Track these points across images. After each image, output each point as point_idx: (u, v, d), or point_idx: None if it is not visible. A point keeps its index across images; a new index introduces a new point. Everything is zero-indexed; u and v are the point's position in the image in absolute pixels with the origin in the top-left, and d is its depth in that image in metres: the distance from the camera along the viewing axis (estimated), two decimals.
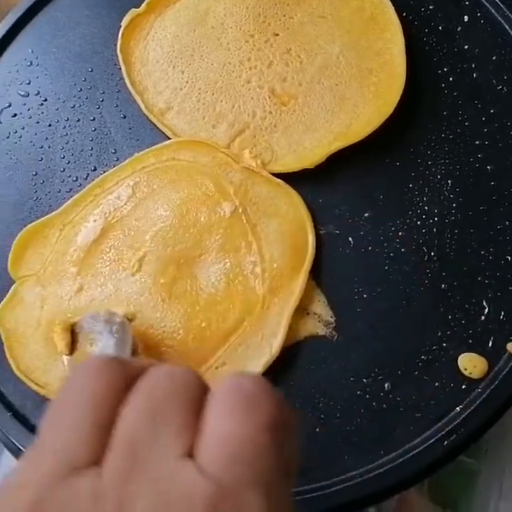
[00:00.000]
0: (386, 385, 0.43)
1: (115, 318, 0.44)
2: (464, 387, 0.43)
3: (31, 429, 0.45)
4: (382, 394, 0.43)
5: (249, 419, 0.20)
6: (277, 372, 0.44)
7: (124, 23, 0.54)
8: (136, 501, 0.18)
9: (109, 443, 0.20)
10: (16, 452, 0.46)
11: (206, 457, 0.19)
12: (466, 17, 0.52)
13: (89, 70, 0.55)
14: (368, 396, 0.43)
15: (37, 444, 0.21)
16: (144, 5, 0.55)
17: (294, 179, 0.48)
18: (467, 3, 0.53)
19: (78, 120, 0.54)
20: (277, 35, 0.52)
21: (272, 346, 0.44)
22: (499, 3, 0.52)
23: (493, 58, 0.51)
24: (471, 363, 0.43)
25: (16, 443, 0.45)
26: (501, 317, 0.44)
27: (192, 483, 0.18)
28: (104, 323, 0.43)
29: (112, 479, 0.19)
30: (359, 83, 0.50)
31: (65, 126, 0.54)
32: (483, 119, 0.49)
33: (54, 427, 0.22)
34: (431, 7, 0.53)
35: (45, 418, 0.22)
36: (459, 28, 0.52)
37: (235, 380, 0.21)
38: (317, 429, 0.42)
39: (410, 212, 0.47)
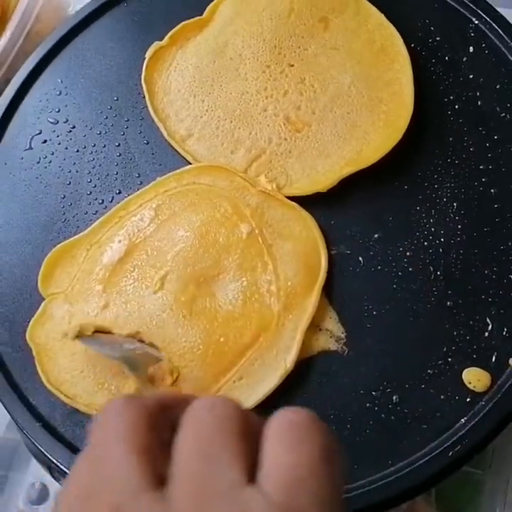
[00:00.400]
0: (394, 398, 0.45)
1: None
2: (468, 400, 0.45)
3: (59, 438, 0.47)
4: (390, 406, 0.45)
5: (305, 449, 0.21)
6: (291, 385, 0.46)
7: (148, 55, 0.58)
8: None
9: (168, 473, 0.21)
10: (44, 461, 0.48)
11: (270, 486, 0.20)
12: (471, 48, 0.55)
13: (115, 98, 0.59)
14: (376, 408, 0.45)
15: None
16: (166, 38, 0.58)
17: (307, 202, 0.51)
18: (472, 34, 0.55)
19: (104, 146, 0.57)
20: (292, 66, 0.55)
21: (287, 361, 0.46)
22: (503, 34, 0.54)
23: (497, 87, 0.53)
24: (475, 377, 0.45)
25: (45, 452, 0.48)
26: (504, 333, 0.46)
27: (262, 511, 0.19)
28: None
29: (182, 508, 0.20)
30: (369, 111, 0.53)
31: (91, 152, 0.57)
32: (488, 145, 0.52)
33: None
34: (438, 38, 0.56)
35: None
36: (465, 59, 0.55)
37: (286, 414, 0.23)
38: None
39: (417, 234, 0.50)
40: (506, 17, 0.59)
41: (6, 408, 0.49)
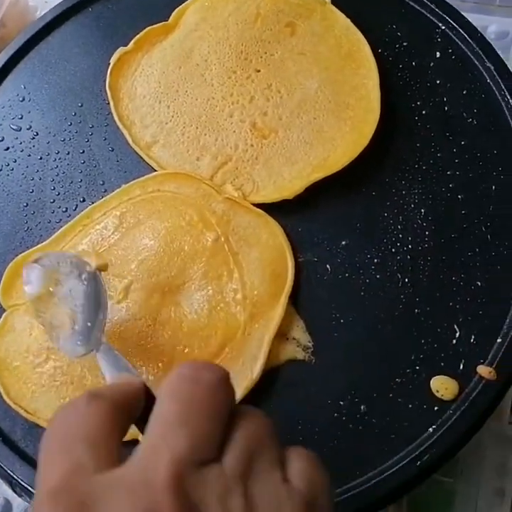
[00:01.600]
0: (362, 408, 0.45)
1: (86, 266, 0.44)
2: (436, 408, 0.44)
3: (20, 454, 0.46)
4: (358, 416, 0.45)
5: (313, 464, 0.29)
6: (258, 395, 0.45)
7: (112, 60, 0.57)
8: (258, 498, 0.25)
9: (226, 448, 0.27)
10: (5, 477, 0.47)
11: (296, 483, 0.27)
12: (438, 53, 0.55)
13: (79, 105, 0.58)
14: (344, 418, 0.45)
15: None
16: (131, 43, 0.57)
17: (274, 209, 0.50)
18: (439, 39, 0.55)
19: (68, 153, 0.56)
20: (259, 71, 0.55)
21: (253, 371, 0.45)
22: (469, 39, 0.54)
23: (464, 92, 0.53)
24: (442, 386, 0.44)
25: (6, 468, 0.46)
26: (472, 341, 0.46)
27: (292, 496, 0.26)
28: (70, 266, 0.43)
29: (235, 476, 0.25)
30: (336, 117, 0.52)
31: (55, 159, 0.56)
32: (454, 150, 0.51)
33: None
34: (404, 44, 0.56)
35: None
36: (432, 64, 0.55)
37: (299, 448, 0.29)
38: None
39: (385, 240, 0.49)
40: (472, 22, 0.60)
41: None
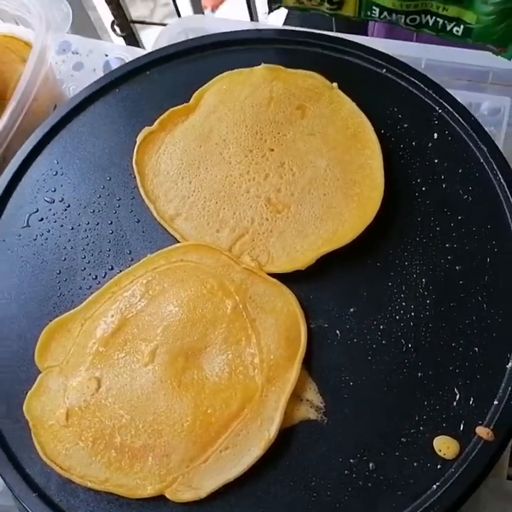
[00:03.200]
0: (370, 465, 0.49)
1: None
2: (439, 466, 0.48)
3: (54, 508, 0.49)
4: (367, 473, 0.48)
5: None
6: (274, 453, 0.49)
7: (138, 139, 0.62)
8: None
9: None
10: None
11: None
12: (435, 134, 0.60)
13: (108, 178, 0.63)
14: (354, 475, 0.48)
15: None
16: (156, 123, 0.63)
17: (288, 278, 0.55)
18: (436, 122, 0.61)
19: (97, 224, 0.61)
20: (272, 150, 0.60)
21: (270, 431, 0.49)
22: (463, 123, 0.60)
23: (460, 171, 0.58)
24: (444, 445, 0.48)
25: None
26: (471, 403, 0.50)
27: None
28: None
29: None
30: (344, 194, 0.57)
31: (85, 229, 0.61)
32: (452, 224, 0.56)
33: None
34: (405, 125, 0.61)
35: None
36: (430, 144, 0.60)
37: None
38: (309, 507, 0.48)
39: (390, 308, 0.54)
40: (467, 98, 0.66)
41: (2, 478, 0.51)
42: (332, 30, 0.83)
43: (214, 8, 2.36)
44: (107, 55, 0.88)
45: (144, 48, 1.13)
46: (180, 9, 1.49)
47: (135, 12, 2.30)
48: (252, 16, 0.95)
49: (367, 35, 0.98)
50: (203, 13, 1.51)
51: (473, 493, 0.48)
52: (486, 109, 0.74)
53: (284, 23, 1.13)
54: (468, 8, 0.62)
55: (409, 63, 0.66)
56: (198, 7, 1.43)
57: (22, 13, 0.81)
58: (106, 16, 1.10)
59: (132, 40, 1.00)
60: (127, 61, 0.72)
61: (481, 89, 0.76)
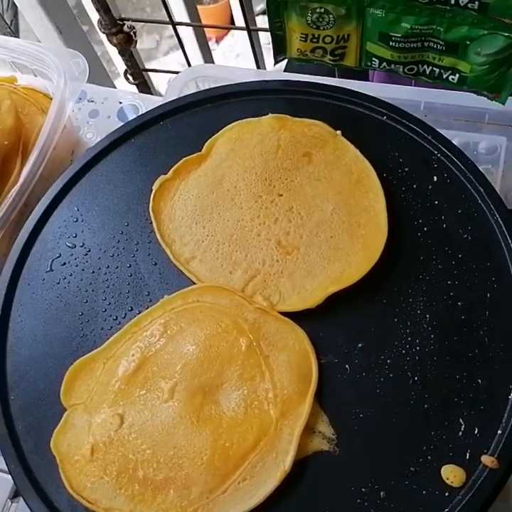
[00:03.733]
0: (381, 494, 0.51)
1: None
2: (447, 494, 0.50)
3: None
4: (378, 502, 0.51)
5: None
6: (289, 485, 0.52)
7: (154, 187, 0.66)
8: None
9: None
10: None
11: None
12: (435, 177, 0.64)
13: (126, 224, 0.66)
14: (366, 504, 0.51)
15: None
16: (171, 172, 0.67)
17: (298, 317, 0.58)
18: (436, 165, 0.64)
19: (117, 267, 0.64)
20: (281, 195, 0.64)
21: (285, 463, 0.52)
22: (461, 166, 0.63)
23: (459, 211, 0.62)
24: (452, 474, 0.51)
25: None
26: (475, 433, 0.52)
27: None
28: None
29: None
30: (350, 235, 0.61)
31: (105, 273, 0.64)
32: (453, 262, 0.59)
33: None
34: (406, 169, 0.65)
35: None
36: (430, 187, 0.64)
37: None
38: None
39: (396, 343, 0.57)
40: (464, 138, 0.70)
41: (31, 511, 0.54)
42: (334, 74, 0.87)
43: (218, 40, 2.43)
44: (120, 103, 0.93)
45: (156, 91, 1.19)
46: (184, 41, 1.55)
47: (141, 45, 2.37)
48: (258, 63, 1.00)
49: (368, 79, 1.03)
50: (209, 47, 1.57)
51: None
52: (484, 148, 0.78)
53: (286, 65, 1.17)
54: (462, 59, 0.66)
55: (409, 106, 0.70)
56: (204, 44, 1.48)
57: (40, 67, 0.86)
58: (119, 64, 1.16)
59: (145, 87, 1.05)
60: (140, 107, 0.76)
61: (479, 129, 0.80)
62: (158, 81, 1.44)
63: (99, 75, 1.11)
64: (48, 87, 0.88)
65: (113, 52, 1.01)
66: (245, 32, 1.04)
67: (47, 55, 0.84)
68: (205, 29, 1.54)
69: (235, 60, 2.37)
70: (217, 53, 2.35)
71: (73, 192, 0.69)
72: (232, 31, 2.44)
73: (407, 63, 0.69)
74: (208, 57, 1.52)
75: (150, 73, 1.25)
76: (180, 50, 1.05)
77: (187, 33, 1.54)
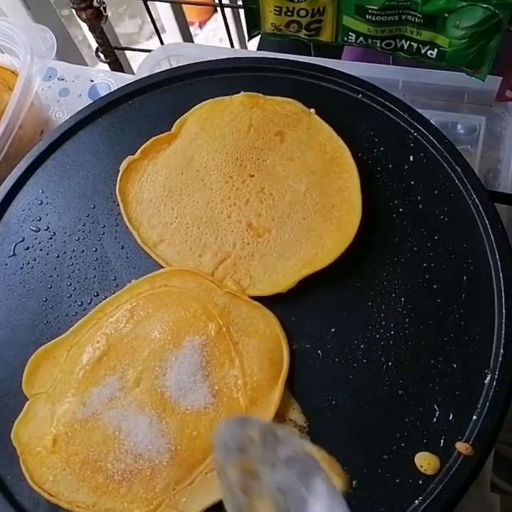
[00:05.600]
0: (354, 483, 0.50)
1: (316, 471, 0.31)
2: (420, 482, 0.49)
3: None
4: (350, 491, 0.49)
5: None
6: None
7: (121, 167, 0.64)
8: None
9: None
10: None
11: None
12: (411, 157, 0.62)
13: (92, 207, 0.64)
14: None
15: None
16: (138, 152, 0.64)
17: (269, 301, 0.56)
18: (412, 145, 0.62)
19: (82, 251, 0.62)
20: (253, 176, 0.62)
21: None
22: (438, 145, 0.61)
23: (435, 192, 0.60)
24: (425, 461, 0.49)
25: None
26: (450, 419, 0.51)
27: None
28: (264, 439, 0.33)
29: None
30: (323, 217, 0.59)
31: (71, 257, 0.62)
32: (429, 244, 0.58)
33: None
34: (382, 148, 0.63)
35: None
36: (406, 166, 0.62)
37: None
38: None
39: (370, 327, 0.55)
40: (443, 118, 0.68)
41: None
42: (310, 52, 0.84)
43: (201, 24, 2.39)
44: (92, 81, 0.90)
45: (130, 70, 1.15)
46: (166, 27, 1.51)
47: (124, 29, 2.34)
48: (232, 41, 0.97)
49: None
50: (190, 32, 1.54)
51: (454, 508, 0.49)
52: (463, 128, 0.76)
53: (260, 43, 1.14)
54: (441, 33, 0.64)
55: (388, 85, 0.68)
56: (183, 26, 1.45)
57: (7, 43, 0.83)
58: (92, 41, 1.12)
59: (117, 65, 1.02)
60: (112, 86, 0.74)
61: (458, 108, 0.78)
62: (137, 63, 1.41)
63: (71, 54, 1.07)
64: (16, 63, 0.85)
65: (87, 30, 0.98)
66: (229, 16, 1.01)
67: (13, 30, 0.81)
68: (186, 14, 1.50)
69: (219, 44, 2.34)
70: (200, 38, 2.31)
71: (38, 173, 0.67)
72: (215, 15, 2.40)
73: (384, 38, 0.67)
74: (188, 40, 1.48)
75: (128, 56, 1.22)
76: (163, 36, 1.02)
77: (167, 16, 1.50)
